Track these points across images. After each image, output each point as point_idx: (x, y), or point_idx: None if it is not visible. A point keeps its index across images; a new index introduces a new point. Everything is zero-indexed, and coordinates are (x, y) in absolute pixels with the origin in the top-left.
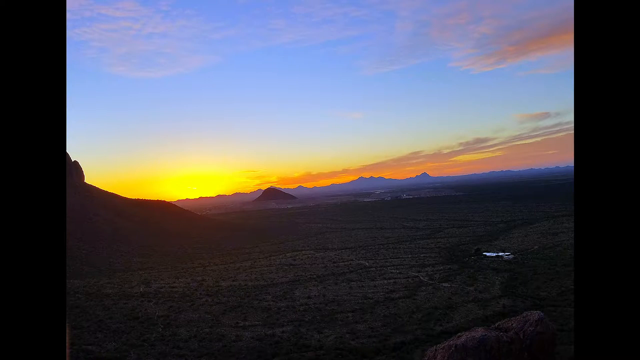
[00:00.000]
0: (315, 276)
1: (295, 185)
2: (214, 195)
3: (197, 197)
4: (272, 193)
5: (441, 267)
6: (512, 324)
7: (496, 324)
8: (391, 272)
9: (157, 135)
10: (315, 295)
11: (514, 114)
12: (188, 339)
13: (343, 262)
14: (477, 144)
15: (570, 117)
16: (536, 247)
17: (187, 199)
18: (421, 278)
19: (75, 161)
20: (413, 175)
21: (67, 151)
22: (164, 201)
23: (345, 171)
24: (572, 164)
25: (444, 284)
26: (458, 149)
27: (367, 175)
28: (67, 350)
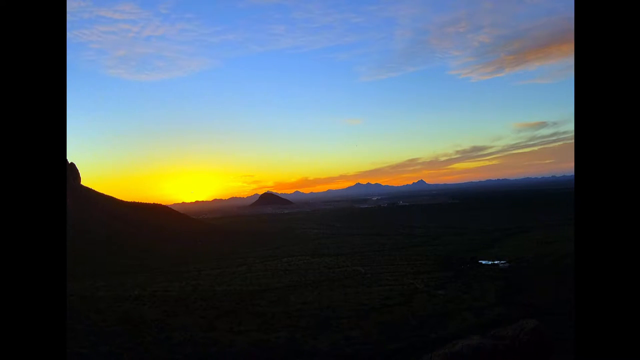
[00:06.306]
0: (310, 282)
1: (292, 191)
2: (210, 200)
3: (194, 200)
4: (268, 198)
5: (437, 275)
6: (508, 332)
7: (492, 332)
8: (387, 279)
9: (154, 138)
10: (310, 301)
11: (511, 122)
12: (182, 343)
13: (339, 268)
14: (474, 152)
15: (567, 127)
16: (532, 255)
17: (182, 202)
18: (416, 285)
19: (71, 163)
20: (410, 182)
21: None
22: (160, 204)
23: (342, 177)
24: (569, 173)
25: (439, 292)
26: (455, 156)
27: (363, 181)
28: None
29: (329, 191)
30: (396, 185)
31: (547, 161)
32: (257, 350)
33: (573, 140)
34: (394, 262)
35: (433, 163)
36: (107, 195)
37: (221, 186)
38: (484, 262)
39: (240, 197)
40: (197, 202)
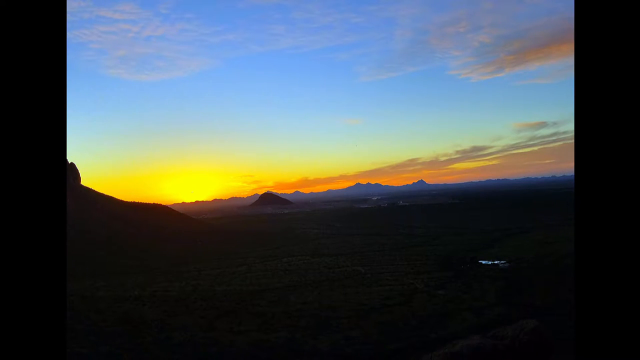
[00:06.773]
0: (310, 282)
1: (292, 191)
2: (210, 200)
3: (194, 200)
4: (268, 198)
5: (437, 275)
6: (508, 332)
7: (492, 332)
8: (387, 279)
9: (154, 138)
10: (310, 301)
11: (511, 122)
12: (182, 343)
13: (339, 268)
14: (474, 152)
15: (567, 127)
16: (532, 255)
17: (182, 202)
18: (416, 285)
19: (71, 163)
20: (410, 182)
21: None
22: (160, 204)
23: (342, 177)
24: (568, 173)
25: (439, 292)
26: (455, 156)
27: (363, 181)
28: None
29: (329, 191)
30: (396, 185)
31: (547, 161)
32: (257, 350)
33: (573, 140)
34: (394, 262)
35: (433, 163)
36: (107, 195)
37: (221, 186)
38: (484, 262)
39: (240, 197)
40: (197, 202)
